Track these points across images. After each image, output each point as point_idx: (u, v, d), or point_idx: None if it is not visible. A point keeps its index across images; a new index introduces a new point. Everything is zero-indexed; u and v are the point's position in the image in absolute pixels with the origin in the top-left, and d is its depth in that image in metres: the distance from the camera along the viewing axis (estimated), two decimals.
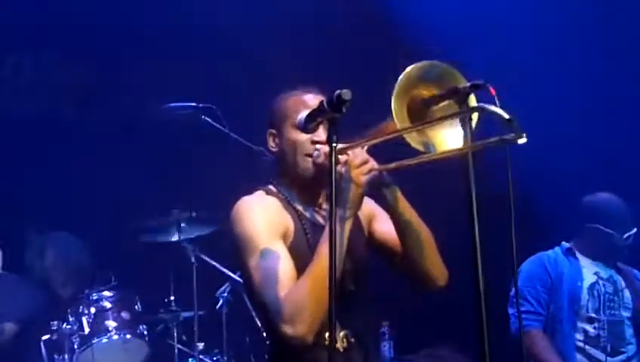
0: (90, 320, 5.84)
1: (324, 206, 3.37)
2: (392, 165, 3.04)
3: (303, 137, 3.23)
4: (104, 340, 5.84)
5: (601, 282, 5.47)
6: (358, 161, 3.05)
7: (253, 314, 5.56)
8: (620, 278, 5.54)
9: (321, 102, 2.85)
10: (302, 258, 3.08)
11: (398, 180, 3.21)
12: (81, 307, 5.90)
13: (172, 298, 6.13)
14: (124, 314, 5.95)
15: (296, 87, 3.41)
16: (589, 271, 5.51)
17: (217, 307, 6.14)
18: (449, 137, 2.87)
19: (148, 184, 6.71)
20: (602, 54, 6.87)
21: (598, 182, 5.74)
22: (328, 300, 2.66)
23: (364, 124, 3.07)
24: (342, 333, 3.14)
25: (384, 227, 3.43)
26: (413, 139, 2.84)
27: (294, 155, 3.29)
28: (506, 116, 2.44)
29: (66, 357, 5.74)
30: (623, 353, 5.38)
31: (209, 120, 5.73)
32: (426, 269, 3.32)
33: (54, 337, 5.81)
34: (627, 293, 5.50)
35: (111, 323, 5.87)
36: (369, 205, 3.41)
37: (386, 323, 6.64)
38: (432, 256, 3.33)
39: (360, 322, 3.23)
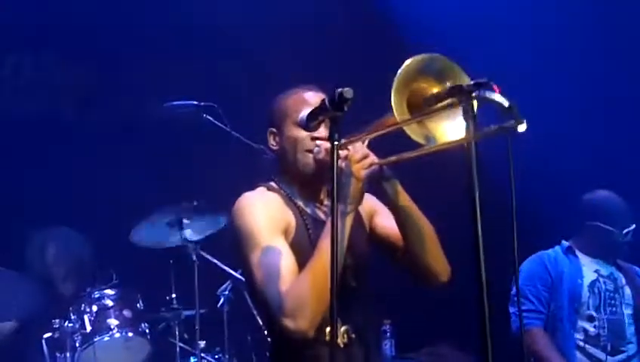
0: (92, 318, 5.83)
1: (326, 202, 3.38)
2: (393, 158, 3.05)
3: (304, 134, 3.25)
4: (106, 338, 5.82)
5: (601, 279, 5.48)
6: (359, 155, 3.07)
7: (255, 312, 5.57)
8: (620, 275, 5.55)
9: (323, 100, 2.86)
10: (304, 253, 3.08)
11: (399, 175, 3.22)
12: (82, 305, 5.88)
13: (173, 296, 6.12)
14: (126, 313, 5.93)
15: (296, 86, 3.42)
16: (590, 268, 5.52)
17: (219, 305, 6.15)
18: (450, 130, 2.87)
19: (148, 184, 6.71)
20: (602, 54, 6.89)
21: (597, 182, 5.74)
22: (330, 295, 2.67)
23: (365, 122, 3.08)
24: (343, 329, 3.12)
25: (386, 222, 3.44)
26: (413, 132, 2.84)
27: (295, 152, 3.30)
28: (506, 103, 2.45)
29: (68, 355, 5.72)
30: (623, 352, 5.39)
31: (210, 118, 5.72)
32: (428, 264, 3.32)
33: (56, 335, 5.78)
34: (628, 290, 5.51)
35: (113, 322, 5.86)
36: (370, 201, 3.42)
37: (388, 322, 6.63)
38: (434, 251, 3.33)
39: (361, 318, 3.22)
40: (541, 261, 5.55)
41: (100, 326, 5.84)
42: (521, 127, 2.41)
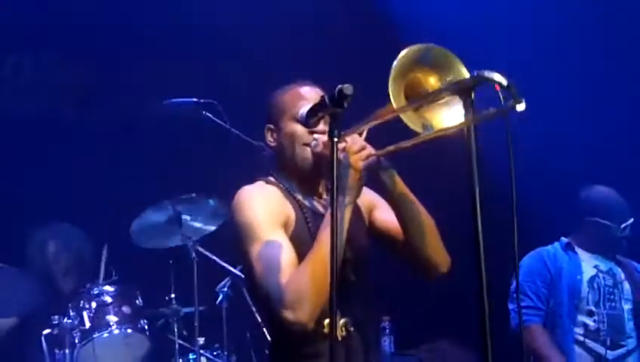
0: (91, 315, 5.81)
1: (325, 196, 3.39)
2: (391, 148, 3.05)
3: (301, 128, 3.26)
4: (105, 335, 5.80)
5: (600, 275, 5.50)
6: (357, 147, 3.08)
7: (254, 309, 5.58)
8: (619, 270, 5.56)
9: (323, 97, 2.87)
10: (304, 246, 3.08)
11: (397, 167, 3.22)
12: (81, 301, 5.86)
13: (172, 293, 6.12)
14: (125, 309, 5.92)
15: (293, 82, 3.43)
16: (589, 264, 5.53)
17: (217, 302, 6.15)
18: (447, 117, 2.87)
19: (148, 183, 6.70)
20: (602, 54, 6.89)
21: (595, 179, 5.75)
22: (329, 287, 2.67)
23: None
24: (342, 321, 3.11)
25: (385, 216, 3.44)
26: (411, 121, 2.85)
27: (293, 147, 3.31)
28: (504, 82, 2.44)
29: (67, 351, 5.69)
30: (622, 346, 5.40)
31: (210, 115, 5.72)
32: (427, 255, 3.32)
33: (55, 331, 5.76)
34: (627, 285, 5.52)
35: (112, 318, 5.84)
36: (369, 195, 3.43)
37: (387, 318, 6.64)
38: (434, 242, 3.33)
39: (360, 311, 3.22)
40: (540, 257, 5.57)
41: (99, 323, 5.82)
42: (520, 107, 2.40)
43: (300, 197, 3.32)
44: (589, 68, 6.85)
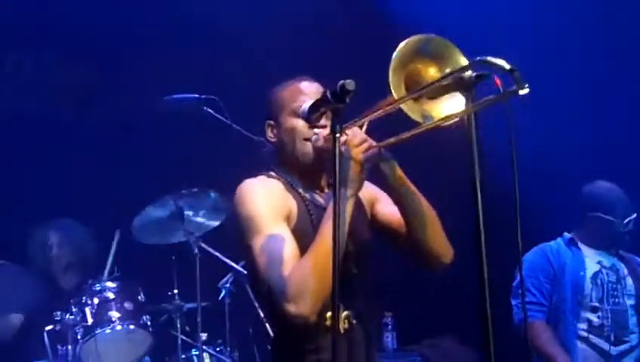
0: (94, 311, 5.79)
1: (326, 190, 3.39)
2: (392, 139, 3.05)
3: (301, 123, 3.26)
4: (107, 331, 5.78)
5: (604, 271, 5.48)
6: (357, 140, 3.08)
7: (256, 304, 5.57)
8: (622, 266, 5.55)
9: (325, 92, 2.88)
10: (306, 239, 3.08)
11: (398, 159, 3.22)
12: (84, 297, 5.84)
13: (175, 289, 6.14)
14: (128, 305, 5.89)
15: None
16: (592, 260, 5.52)
17: (220, 298, 6.17)
18: (448, 108, 2.87)
19: (149, 180, 6.71)
20: (602, 54, 6.90)
21: (597, 176, 5.75)
22: (332, 280, 2.67)
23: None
24: (344, 314, 3.11)
25: (387, 209, 3.45)
26: (412, 111, 2.85)
27: (293, 142, 3.32)
28: (507, 66, 2.45)
29: (70, 347, 5.68)
30: (626, 342, 5.39)
31: (211, 111, 5.72)
32: (430, 247, 3.33)
33: (57, 328, 5.75)
34: (630, 281, 5.51)
35: (114, 314, 5.81)
36: (371, 189, 3.44)
37: (389, 314, 6.65)
38: (436, 233, 3.33)
39: (362, 304, 3.22)
40: (543, 253, 5.56)
41: (102, 319, 5.79)
42: (523, 91, 2.41)
43: (301, 190, 3.32)
44: (589, 68, 6.85)
